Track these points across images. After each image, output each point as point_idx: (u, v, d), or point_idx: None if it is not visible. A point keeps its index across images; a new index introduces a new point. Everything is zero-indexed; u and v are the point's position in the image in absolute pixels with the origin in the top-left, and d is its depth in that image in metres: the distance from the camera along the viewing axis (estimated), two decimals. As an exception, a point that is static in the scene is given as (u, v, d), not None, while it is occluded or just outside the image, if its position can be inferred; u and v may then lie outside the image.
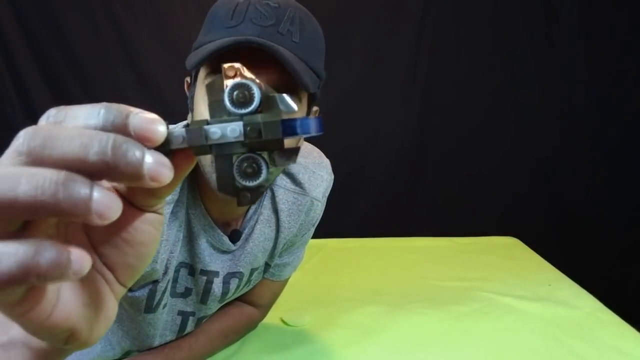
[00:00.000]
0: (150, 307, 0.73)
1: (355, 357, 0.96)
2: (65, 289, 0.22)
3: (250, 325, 0.99)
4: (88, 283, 0.23)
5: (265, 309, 0.99)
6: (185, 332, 0.85)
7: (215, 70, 0.59)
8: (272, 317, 1.04)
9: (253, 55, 0.55)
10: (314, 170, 0.85)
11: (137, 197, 0.23)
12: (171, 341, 0.85)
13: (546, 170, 2.15)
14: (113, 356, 0.81)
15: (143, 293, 0.70)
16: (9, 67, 1.89)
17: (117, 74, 1.96)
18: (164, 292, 0.73)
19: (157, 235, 0.25)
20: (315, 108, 0.71)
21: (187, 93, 0.70)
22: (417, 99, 2.09)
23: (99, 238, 0.24)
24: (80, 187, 0.19)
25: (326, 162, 0.89)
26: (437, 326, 1.08)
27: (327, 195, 0.90)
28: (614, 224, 2.15)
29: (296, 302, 1.15)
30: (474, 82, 2.07)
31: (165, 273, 0.71)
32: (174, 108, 1.93)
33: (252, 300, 0.95)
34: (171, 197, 0.67)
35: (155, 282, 0.71)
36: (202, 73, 0.62)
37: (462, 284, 1.30)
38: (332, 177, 0.90)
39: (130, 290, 0.67)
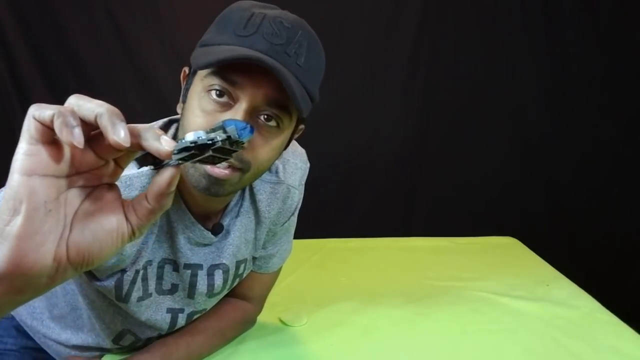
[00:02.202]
0: (120, 296, 0.74)
1: (353, 357, 0.97)
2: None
3: (246, 321, 0.99)
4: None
5: (258, 301, 0.99)
6: (176, 327, 0.86)
7: (216, 73, 0.60)
8: (270, 317, 1.04)
9: (257, 68, 0.57)
10: (288, 158, 0.86)
11: (101, 149, 0.35)
12: (168, 338, 0.85)
13: (545, 170, 2.15)
14: (110, 334, 0.82)
15: (110, 282, 0.71)
16: (8, 67, 1.90)
17: (117, 74, 1.96)
18: (132, 282, 0.73)
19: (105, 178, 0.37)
20: (301, 126, 0.73)
21: (183, 83, 0.71)
22: (417, 99, 2.09)
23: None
24: (73, 121, 0.32)
25: (300, 150, 0.90)
26: (435, 326, 1.08)
27: (303, 183, 0.91)
28: (613, 225, 2.15)
29: (295, 302, 1.15)
30: (474, 82, 2.07)
31: (133, 263, 0.72)
32: (173, 107, 1.93)
33: (243, 293, 0.96)
34: (138, 192, 0.68)
35: (123, 271, 0.72)
36: (202, 71, 0.63)
37: (461, 284, 1.31)
38: (308, 165, 0.91)
39: (97, 280, 0.70)
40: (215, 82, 0.61)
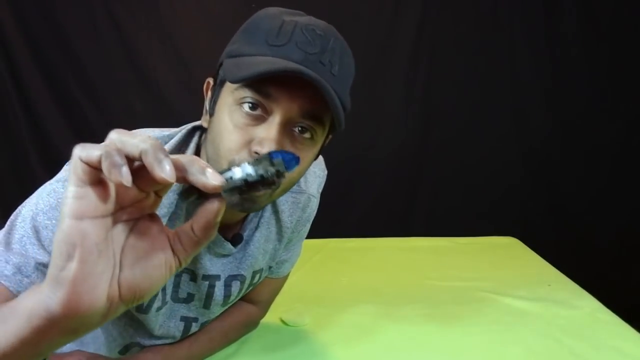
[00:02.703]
0: (141, 307, 0.74)
1: (354, 357, 0.96)
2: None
3: (250, 323, 0.99)
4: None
5: (264, 305, 0.99)
6: (189, 334, 0.86)
7: (249, 85, 0.58)
8: (272, 317, 1.04)
9: (292, 80, 0.56)
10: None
11: (143, 183, 0.34)
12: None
13: (546, 170, 2.15)
14: (116, 347, 0.82)
15: None
16: (8, 67, 1.89)
17: (117, 74, 1.96)
18: (154, 295, 0.73)
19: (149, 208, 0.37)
20: (330, 136, 0.70)
21: (207, 93, 0.68)
22: (417, 99, 2.09)
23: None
24: (120, 160, 0.32)
25: (319, 158, 0.89)
26: (436, 326, 1.08)
27: (320, 190, 0.90)
28: (614, 224, 2.15)
29: (296, 302, 1.15)
30: (474, 82, 2.07)
31: None
32: (173, 107, 1.93)
33: (251, 298, 0.95)
34: (167, 210, 0.67)
35: None
36: (233, 83, 0.60)
37: (462, 284, 1.30)
38: (326, 172, 0.91)
39: None
40: (248, 94, 0.58)
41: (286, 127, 0.59)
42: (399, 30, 2.03)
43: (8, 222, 0.63)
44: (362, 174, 2.13)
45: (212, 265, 0.77)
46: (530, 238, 1.67)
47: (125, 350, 0.83)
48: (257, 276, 0.86)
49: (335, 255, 1.52)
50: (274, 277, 0.94)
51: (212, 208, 0.36)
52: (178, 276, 0.76)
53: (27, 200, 0.64)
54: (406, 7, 2.01)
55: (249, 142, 0.58)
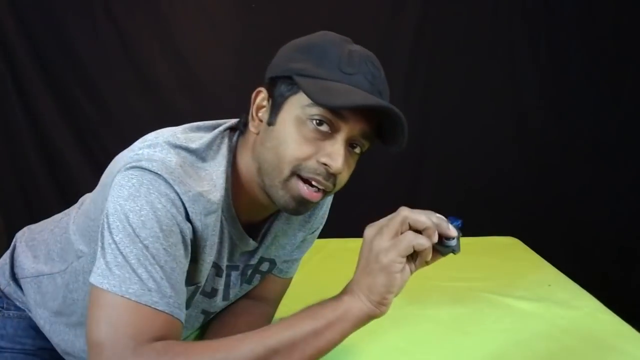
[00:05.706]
0: (189, 304, 0.77)
1: (355, 357, 0.96)
2: None
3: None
4: None
5: (277, 305, 1.01)
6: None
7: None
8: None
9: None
10: None
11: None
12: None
13: (546, 170, 2.15)
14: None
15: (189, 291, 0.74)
16: (9, 67, 1.89)
17: (117, 74, 1.96)
18: (195, 292, 0.77)
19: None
20: None
21: (255, 101, 0.73)
22: (417, 99, 2.09)
23: None
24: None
25: None
26: (437, 326, 1.08)
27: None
28: (614, 224, 2.15)
29: (296, 302, 1.15)
30: (474, 83, 2.07)
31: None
32: (173, 107, 1.93)
33: (266, 297, 0.97)
34: (215, 207, 0.70)
35: (198, 286, 0.76)
36: (303, 98, 0.66)
37: (462, 284, 1.30)
38: None
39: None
40: (322, 112, 0.66)
41: (347, 144, 0.69)
42: (399, 30, 2.03)
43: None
44: (362, 174, 2.12)
45: (234, 257, 0.82)
46: (530, 238, 1.67)
47: None
48: (266, 265, 0.89)
49: (335, 255, 1.51)
50: (283, 277, 0.97)
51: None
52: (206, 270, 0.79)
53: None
54: (406, 7, 2.01)
55: (315, 154, 0.68)
